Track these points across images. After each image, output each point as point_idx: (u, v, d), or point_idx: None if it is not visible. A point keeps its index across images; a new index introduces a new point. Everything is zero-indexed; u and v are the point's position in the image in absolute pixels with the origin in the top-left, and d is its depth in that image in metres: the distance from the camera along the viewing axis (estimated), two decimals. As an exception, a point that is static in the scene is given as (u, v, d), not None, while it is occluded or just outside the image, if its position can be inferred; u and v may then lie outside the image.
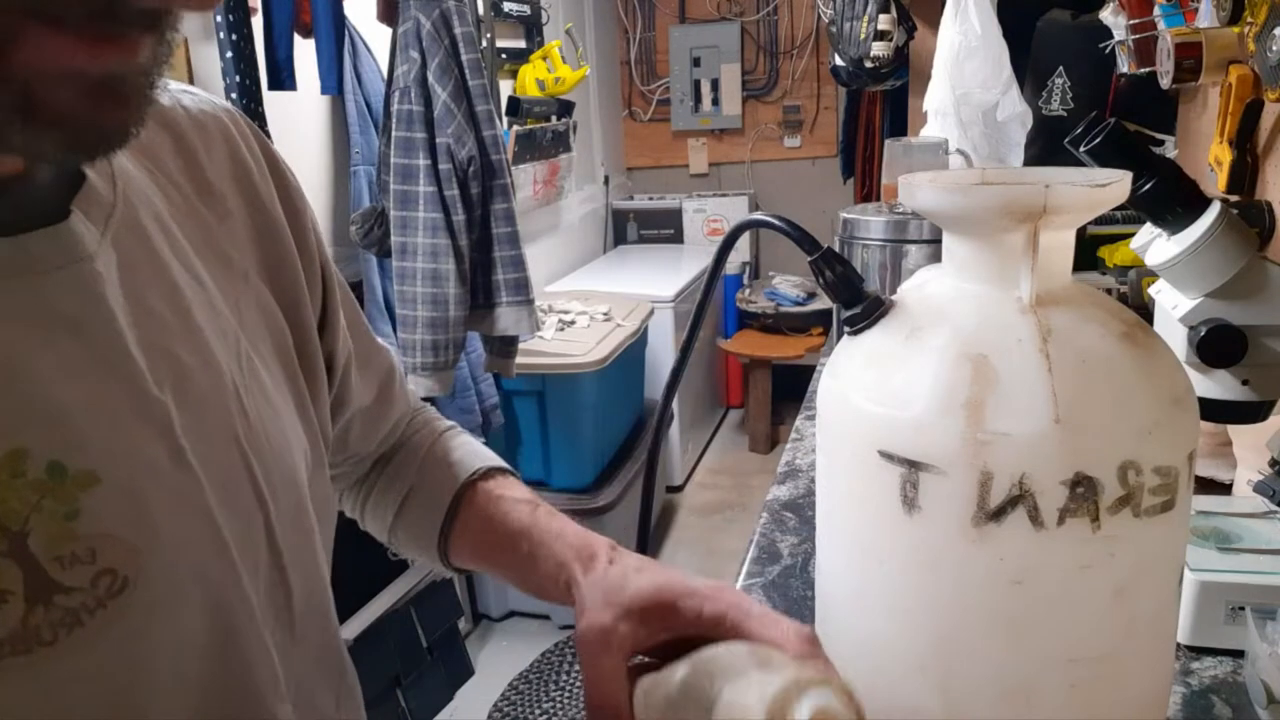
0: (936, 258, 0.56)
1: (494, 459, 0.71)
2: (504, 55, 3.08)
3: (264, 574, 0.48)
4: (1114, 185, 0.48)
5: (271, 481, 0.48)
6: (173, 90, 0.53)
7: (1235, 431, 0.94)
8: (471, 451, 0.72)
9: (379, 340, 0.71)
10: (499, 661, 2.60)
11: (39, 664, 0.36)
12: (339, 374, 0.63)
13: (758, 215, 0.56)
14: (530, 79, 3.11)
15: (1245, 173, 1.29)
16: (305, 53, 2.04)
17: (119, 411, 0.40)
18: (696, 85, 4.42)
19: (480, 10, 2.82)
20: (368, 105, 2.26)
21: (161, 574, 0.41)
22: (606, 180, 4.35)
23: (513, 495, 0.67)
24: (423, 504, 0.69)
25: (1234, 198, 1.30)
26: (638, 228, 4.50)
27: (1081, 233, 0.53)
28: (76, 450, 0.38)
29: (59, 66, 0.32)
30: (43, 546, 0.37)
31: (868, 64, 2.53)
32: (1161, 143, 1.85)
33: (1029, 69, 2.10)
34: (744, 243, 4.28)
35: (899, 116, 2.89)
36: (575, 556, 0.58)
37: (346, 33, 2.17)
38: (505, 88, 3.09)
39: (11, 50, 0.31)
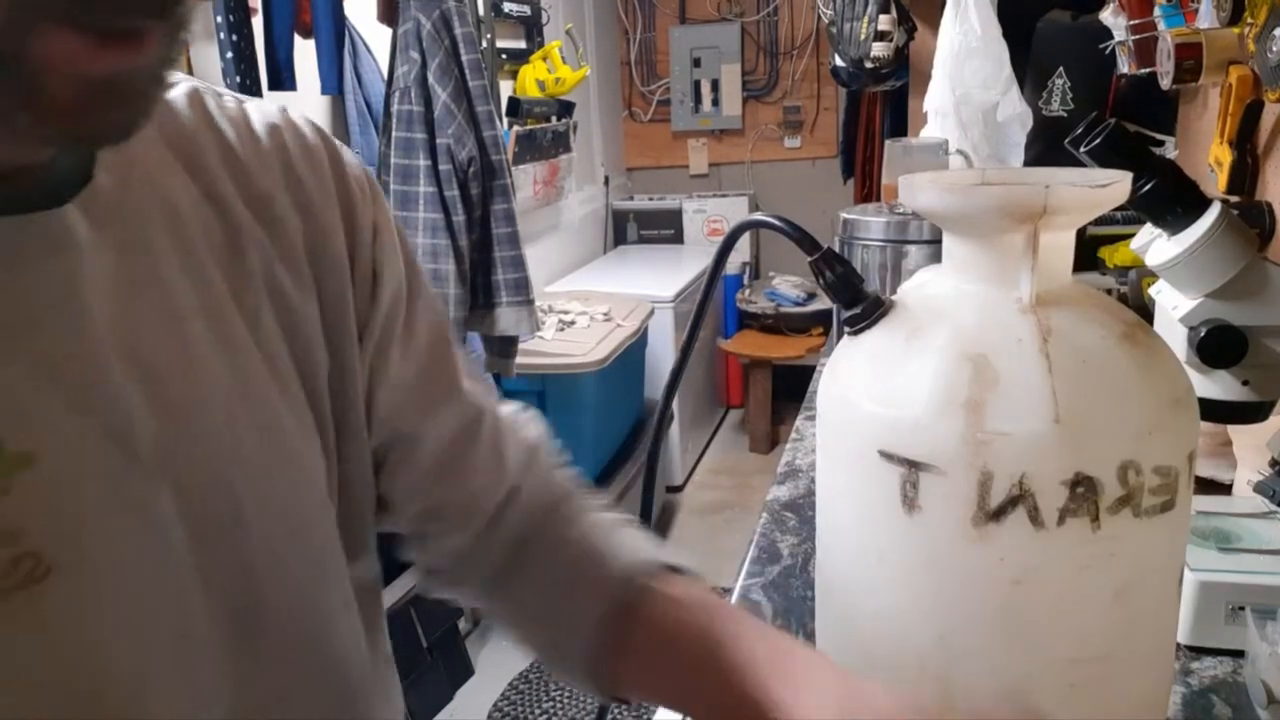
0: (936, 258, 0.56)
1: (655, 553, 0.60)
2: (504, 55, 3.08)
3: (226, 594, 0.45)
4: (1114, 185, 0.48)
5: (259, 498, 0.46)
6: (244, 103, 0.53)
7: (1235, 431, 0.94)
8: (625, 546, 0.61)
9: (474, 393, 0.63)
10: (499, 661, 2.60)
11: None
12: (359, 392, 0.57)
13: (758, 215, 0.56)
14: (530, 79, 3.11)
15: (1245, 173, 1.29)
16: (305, 53, 2.04)
17: (73, 403, 0.39)
18: (696, 85, 4.42)
19: (480, 10, 2.82)
20: (368, 105, 2.26)
21: (86, 569, 0.39)
22: (606, 180, 4.35)
23: (694, 599, 0.57)
24: (569, 615, 0.59)
25: (1234, 198, 1.30)
26: (638, 228, 4.50)
27: (1081, 233, 0.53)
28: (17, 429, 0.37)
29: (67, 66, 0.32)
30: None
31: (868, 64, 2.53)
32: (1161, 143, 1.85)
33: (1029, 69, 2.10)
34: (744, 243, 4.28)
35: (899, 116, 2.89)
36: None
37: (346, 33, 2.17)
38: (505, 88, 3.09)
39: (25, 46, 0.31)
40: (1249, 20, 1.18)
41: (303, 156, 0.53)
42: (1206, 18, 1.33)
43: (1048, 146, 2.02)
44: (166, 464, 0.42)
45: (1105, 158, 0.67)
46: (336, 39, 2.09)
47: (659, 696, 0.57)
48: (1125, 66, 1.65)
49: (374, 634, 0.59)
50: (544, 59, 3.16)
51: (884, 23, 2.48)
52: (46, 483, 0.38)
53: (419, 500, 0.61)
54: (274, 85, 1.91)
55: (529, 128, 3.03)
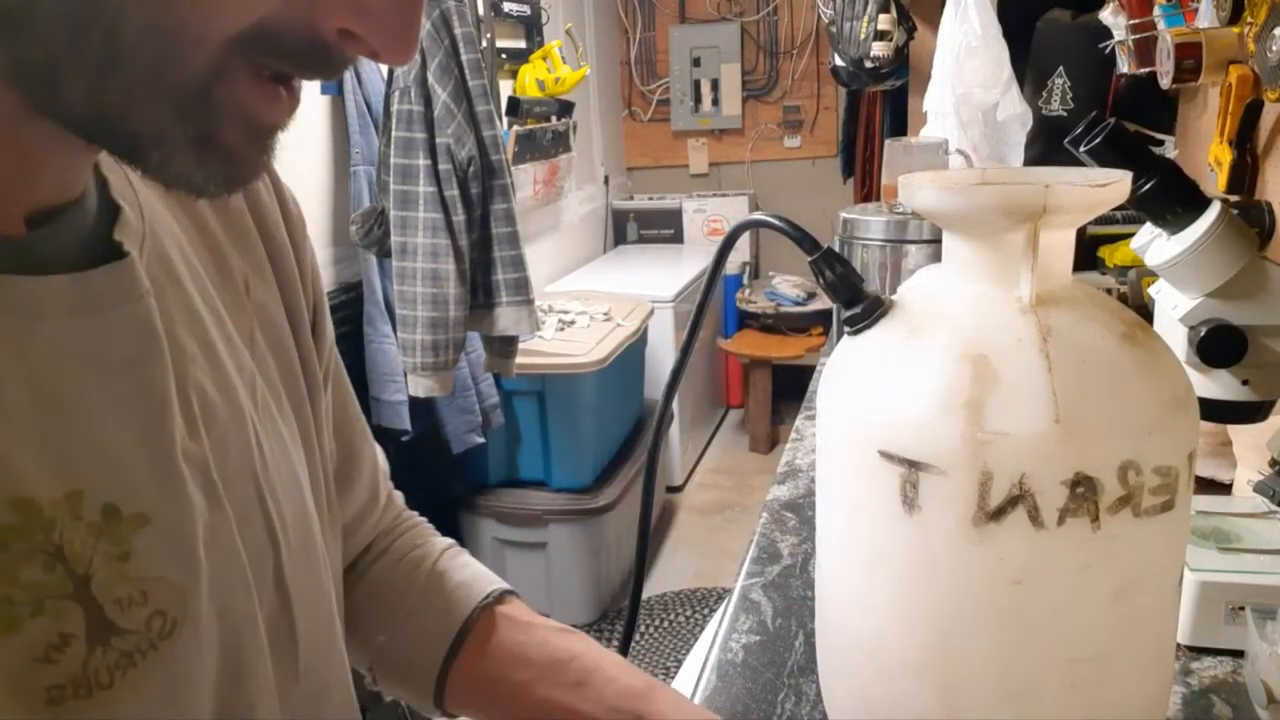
0: (936, 258, 0.56)
1: (503, 586, 0.66)
2: (504, 55, 3.08)
3: (268, 612, 0.47)
4: (1114, 185, 0.48)
5: (283, 518, 0.48)
6: None
7: (1235, 431, 0.94)
8: (477, 573, 0.66)
9: (363, 424, 0.66)
10: (499, 661, 2.60)
11: (97, 708, 0.36)
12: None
13: (758, 215, 0.56)
14: (530, 79, 3.11)
15: (1245, 173, 1.29)
16: (305, 53, 2.03)
17: (165, 452, 0.40)
18: (696, 85, 4.42)
19: (480, 10, 2.82)
20: (368, 105, 2.26)
21: (201, 614, 0.41)
22: (606, 180, 4.35)
23: (546, 623, 0.63)
24: (422, 629, 0.62)
25: (1234, 198, 1.30)
26: (638, 228, 4.50)
27: (1081, 233, 0.53)
28: (128, 492, 0.38)
29: (243, 111, 0.34)
30: (102, 589, 0.37)
31: (868, 64, 2.53)
32: (1161, 143, 1.85)
33: (1029, 69, 2.09)
34: (744, 243, 4.28)
35: (899, 116, 2.88)
36: (648, 685, 0.57)
37: (346, 33, 2.17)
38: (505, 88, 3.09)
39: (216, 86, 0.33)
40: (1249, 20, 1.18)
41: (260, 184, 0.54)
42: (1206, 17, 1.33)
43: (1047, 146, 2.02)
44: (229, 497, 0.43)
45: (1105, 157, 0.67)
46: (336, 39, 2.08)
47: (500, 710, 0.61)
48: (1125, 66, 1.65)
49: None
50: (544, 59, 3.16)
51: (884, 22, 2.47)
52: (160, 540, 0.39)
53: None
54: (274, 85, 1.91)
55: (529, 127, 3.03)
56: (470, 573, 0.65)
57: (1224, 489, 0.92)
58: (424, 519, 0.71)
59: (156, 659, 0.38)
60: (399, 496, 0.72)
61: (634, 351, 3.03)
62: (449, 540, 0.69)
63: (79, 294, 0.37)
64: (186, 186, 0.36)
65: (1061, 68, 2.05)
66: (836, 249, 0.70)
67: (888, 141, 1.60)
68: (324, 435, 0.57)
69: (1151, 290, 0.79)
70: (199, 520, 0.41)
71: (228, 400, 0.45)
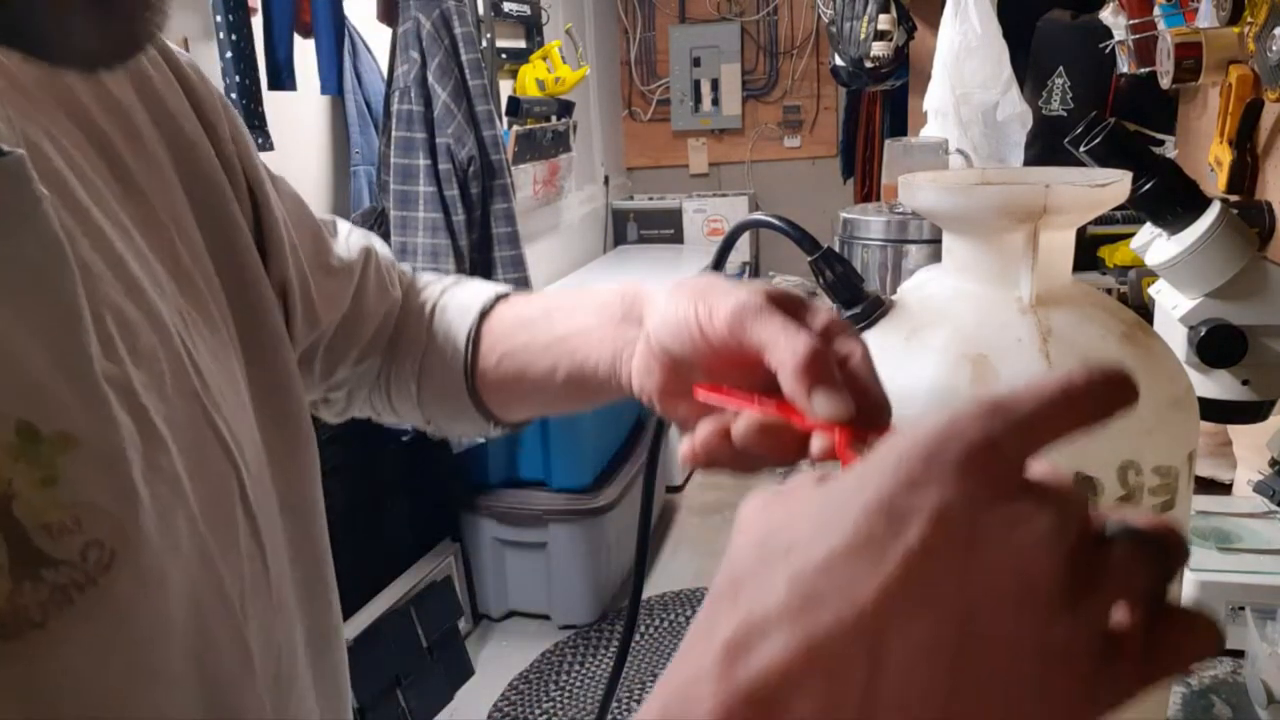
0: (936, 258, 0.56)
1: (505, 289, 0.66)
2: (504, 55, 3.08)
3: (243, 544, 0.43)
4: (1114, 185, 0.48)
5: (238, 440, 0.44)
6: None
7: (1235, 431, 0.94)
8: (479, 288, 0.67)
9: (344, 232, 0.65)
10: (499, 661, 2.60)
11: (30, 650, 0.32)
12: (296, 300, 0.56)
13: (758, 215, 0.56)
14: (530, 79, 3.11)
15: (1245, 173, 1.29)
16: (305, 53, 2.03)
17: (83, 370, 0.36)
18: (696, 85, 4.42)
19: (480, 10, 2.83)
20: (368, 105, 2.26)
21: (144, 548, 0.36)
22: (606, 180, 4.35)
23: (550, 293, 0.63)
24: (440, 352, 0.64)
25: (1234, 198, 1.30)
26: (638, 228, 4.50)
27: (1081, 233, 0.53)
28: (48, 410, 0.34)
29: None
30: (27, 514, 0.32)
31: (868, 64, 2.53)
32: (1161, 143, 1.85)
33: (1029, 69, 2.10)
34: (744, 243, 4.28)
35: (899, 116, 2.89)
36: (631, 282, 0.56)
37: (346, 33, 2.17)
38: (505, 88, 3.09)
39: None
40: (1249, 19, 1.18)
41: (151, 67, 0.49)
42: (1206, 17, 1.33)
43: (1047, 146, 2.02)
44: (173, 424, 0.40)
45: (1105, 157, 0.67)
46: (336, 39, 2.09)
47: (523, 379, 0.60)
48: (1125, 66, 1.65)
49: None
50: (544, 58, 3.16)
51: (884, 22, 2.48)
52: (92, 463, 0.35)
53: (330, 362, 0.64)
54: (274, 85, 1.91)
55: (529, 127, 3.03)
56: (471, 292, 0.66)
57: (1224, 489, 0.92)
58: (427, 275, 0.72)
59: (98, 595, 0.34)
60: (407, 271, 0.71)
61: (634, 351, 3.02)
62: (454, 278, 0.70)
63: None
64: (76, 58, 0.34)
65: (1061, 68, 2.05)
66: (836, 249, 0.70)
67: (888, 141, 1.60)
68: (279, 339, 0.53)
69: (1151, 290, 0.79)
70: (128, 443, 0.37)
71: (151, 319, 0.41)
